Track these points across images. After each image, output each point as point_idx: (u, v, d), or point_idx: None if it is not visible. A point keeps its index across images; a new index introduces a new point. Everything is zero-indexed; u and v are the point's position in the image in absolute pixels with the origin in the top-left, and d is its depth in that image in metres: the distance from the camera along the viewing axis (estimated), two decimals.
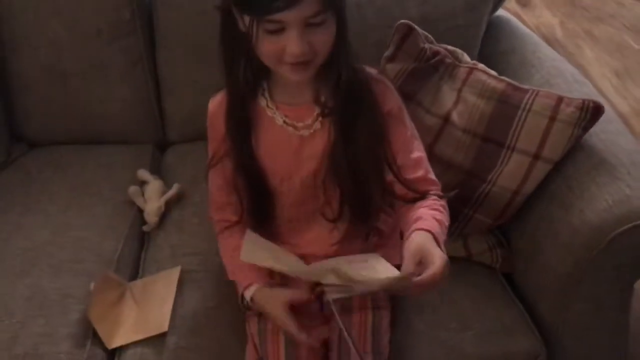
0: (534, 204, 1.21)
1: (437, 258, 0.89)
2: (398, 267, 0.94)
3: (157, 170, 1.53)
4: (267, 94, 1.05)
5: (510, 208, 1.21)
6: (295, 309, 1.03)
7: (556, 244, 1.14)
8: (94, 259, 1.26)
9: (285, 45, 0.91)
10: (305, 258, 1.06)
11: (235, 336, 1.12)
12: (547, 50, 1.47)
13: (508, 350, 1.15)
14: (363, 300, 1.08)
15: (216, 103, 1.09)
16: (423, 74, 1.29)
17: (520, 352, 1.15)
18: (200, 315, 1.17)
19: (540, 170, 1.18)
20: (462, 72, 1.29)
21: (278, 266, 1.02)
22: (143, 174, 1.47)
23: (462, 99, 1.27)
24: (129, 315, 1.16)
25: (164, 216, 1.38)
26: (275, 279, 1.10)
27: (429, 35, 1.34)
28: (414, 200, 1.04)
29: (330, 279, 0.92)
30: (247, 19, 0.91)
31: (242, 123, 1.05)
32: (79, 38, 1.48)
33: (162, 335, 1.13)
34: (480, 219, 1.23)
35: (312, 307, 1.08)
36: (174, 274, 1.22)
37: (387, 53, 1.33)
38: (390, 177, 1.05)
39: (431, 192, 1.05)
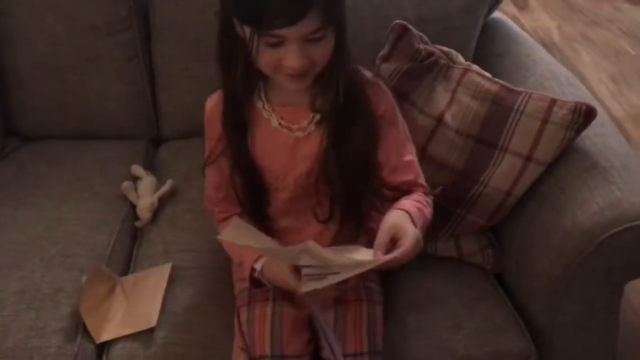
0: (525, 205, 1.21)
1: (409, 233, 0.92)
2: None
3: (150, 165, 1.53)
4: (263, 96, 1.06)
5: (502, 209, 1.22)
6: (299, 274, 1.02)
7: (547, 246, 1.14)
8: (86, 254, 1.26)
9: (284, 57, 0.91)
10: None
11: (224, 332, 1.13)
12: (541, 54, 1.47)
13: (499, 350, 1.15)
14: (357, 293, 1.09)
15: (213, 102, 1.09)
16: (417, 74, 1.30)
17: (511, 352, 1.16)
18: (190, 312, 1.17)
19: (533, 172, 1.18)
20: (456, 73, 1.29)
21: (256, 246, 1.02)
22: (136, 169, 1.47)
23: (455, 99, 1.27)
24: (118, 310, 1.17)
25: (156, 212, 1.37)
26: None
27: (424, 36, 1.34)
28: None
29: (305, 260, 0.93)
30: (247, 29, 0.91)
31: (238, 124, 1.06)
32: (74, 32, 1.48)
33: (151, 330, 1.13)
34: (472, 220, 1.24)
35: None
36: (165, 270, 1.22)
37: (382, 52, 1.33)
38: (379, 178, 1.06)
39: (418, 192, 1.07)
